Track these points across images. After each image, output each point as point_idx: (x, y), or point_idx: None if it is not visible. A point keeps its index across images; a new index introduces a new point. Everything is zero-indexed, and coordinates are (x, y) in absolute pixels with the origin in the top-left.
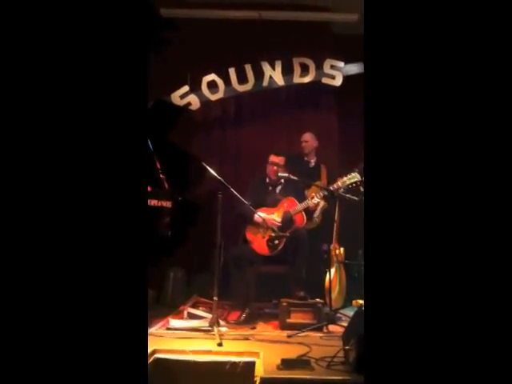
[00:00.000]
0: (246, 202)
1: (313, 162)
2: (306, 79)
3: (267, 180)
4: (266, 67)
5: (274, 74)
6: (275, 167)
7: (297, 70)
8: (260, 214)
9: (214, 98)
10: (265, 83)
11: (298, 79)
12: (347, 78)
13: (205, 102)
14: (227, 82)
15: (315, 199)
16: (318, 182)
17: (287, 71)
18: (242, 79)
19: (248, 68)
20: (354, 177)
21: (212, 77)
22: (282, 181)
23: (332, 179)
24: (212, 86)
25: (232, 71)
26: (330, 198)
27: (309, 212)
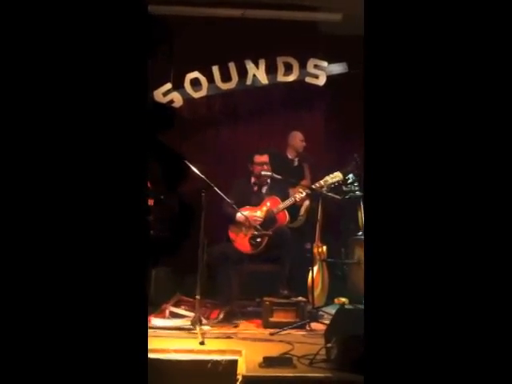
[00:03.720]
0: (229, 200)
1: (296, 160)
2: (290, 78)
3: (253, 180)
4: (250, 66)
5: (258, 73)
6: (264, 166)
7: (280, 68)
8: (243, 213)
9: (197, 95)
10: (248, 82)
11: (281, 78)
12: (331, 78)
13: (188, 100)
14: (211, 79)
15: (297, 196)
16: (302, 182)
17: (271, 70)
18: (226, 77)
19: (232, 66)
20: (337, 176)
21: (195, 74)
22: (269, 181)
23: (316, 178)
24: (195, 83)
25: (215, 69)
26: (313, 196)
27: (293, 210)
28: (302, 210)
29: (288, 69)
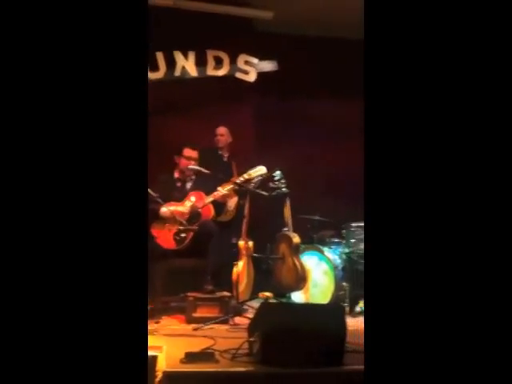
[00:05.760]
0: (154, 194)
1: (226, 156)
2: (220, 72)
3: (177, 175)
4: (179, 57)
5: (187, 65)
6: (191, 161)
7: (210, 62)
8: (169, 208)
9: None
10: (177, 73)
11: (211, 72)
12: (261, 75)
13: None
14: None
15: (221, 191)
16: (230, 177)
17: (201, 63)
18: (153, 67)
19: (159, 56)
20: (260, 169)
21: None
22: (193, 177)
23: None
24: None
25: None
26: (240, 192)
27: (220, 205)
28: (232, 204)
29: (218, 63)
